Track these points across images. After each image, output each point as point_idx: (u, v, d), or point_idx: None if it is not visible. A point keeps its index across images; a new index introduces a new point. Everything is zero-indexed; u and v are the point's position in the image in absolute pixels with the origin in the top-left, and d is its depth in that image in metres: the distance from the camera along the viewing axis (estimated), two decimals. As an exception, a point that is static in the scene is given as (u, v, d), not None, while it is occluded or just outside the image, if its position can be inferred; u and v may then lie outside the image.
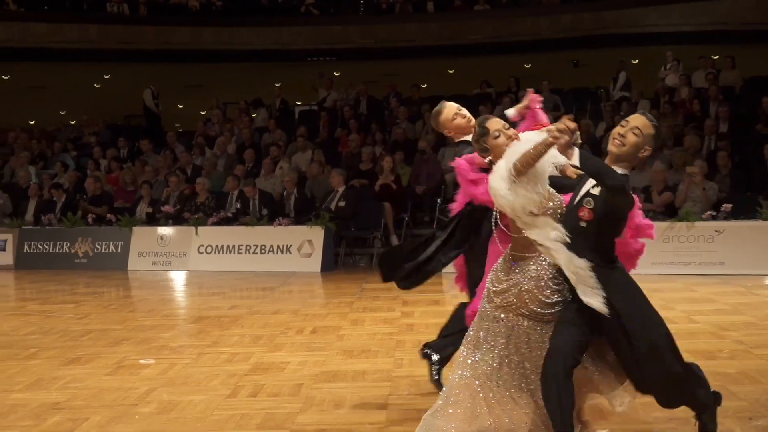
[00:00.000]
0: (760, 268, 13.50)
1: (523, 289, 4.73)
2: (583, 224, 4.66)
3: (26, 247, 18.25)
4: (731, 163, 15.34)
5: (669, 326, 9.28)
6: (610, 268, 4.71)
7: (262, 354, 8.46)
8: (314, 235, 15.98)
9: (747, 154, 15.67)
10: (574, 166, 4.72)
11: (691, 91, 18.17)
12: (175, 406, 6.67)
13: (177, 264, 17.10)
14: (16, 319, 11.41)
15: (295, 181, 16.91)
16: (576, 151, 4.86)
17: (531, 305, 4.71)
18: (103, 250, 17.77)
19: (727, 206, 14.18)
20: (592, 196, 4.63)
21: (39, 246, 18.24)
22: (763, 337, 8.72)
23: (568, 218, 4.76)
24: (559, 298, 4.73)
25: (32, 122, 25.61)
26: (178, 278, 16.08)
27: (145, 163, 20.15)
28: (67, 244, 18.04)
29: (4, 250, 18.24)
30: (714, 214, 14.17)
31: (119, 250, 17.62)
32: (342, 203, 16.23)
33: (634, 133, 4.72)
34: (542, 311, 4.71)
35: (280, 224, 16.60)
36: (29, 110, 26.45)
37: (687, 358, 7.57)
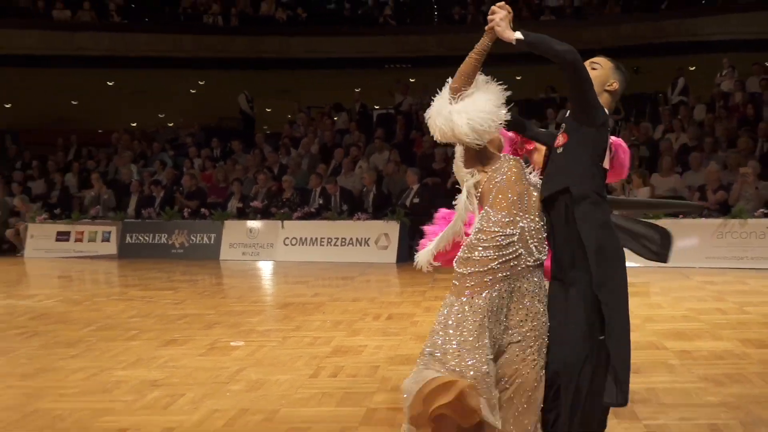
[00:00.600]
0: (808, 264, 13.34)
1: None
2: (560, 150, 4.27)
3: (128, 238, 18.49)
4: (783, 164, 15.13)
5: (721, 317, 9.23)
6: (592, 202, 4.15)
7: (341, 338, 8.51)
8: (390, 229, 16.00)
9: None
10: (518, 40, 4.11)
11: (745, 95, 17.94)
12: (262, 384, 6.74)
13: (264, 254, 17.22)
14: (120, 303, 11.59)
15: (373, 179, 16.95)
16: (518, 32, 4.23)
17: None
18: (197, 242, 17.96)
19: (777, 205, 14.05)
20: (564, 121, 4.32)
21: (140, 237, 18.47)
22: (813, 327, 8.60)
23: (552, 159, 4.34)
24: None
25: (134, 124, 25.94)
26: (265, 268, 16.19)
27: (236, 162, 20.32)
28: (165, 236, 18.25)
29: (108, 240, 18.49)
30: (766, 212, 14.00)
31: (212, 242, 17.79)
32: (416, 200, 16.23)
33: (593, 68, 4.38)
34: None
35: (359, 219, 16.67)
36: (131, 113, 26.80)
37: (740, 351, 7.53)
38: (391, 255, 16.26)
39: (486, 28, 4.12)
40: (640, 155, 16.13)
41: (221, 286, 13.73)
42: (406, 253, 15.53)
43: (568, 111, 4.33)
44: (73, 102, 25.98)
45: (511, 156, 4.34)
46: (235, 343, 8.48)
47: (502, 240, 4.02)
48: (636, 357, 6.67)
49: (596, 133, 4.17)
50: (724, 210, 14.10)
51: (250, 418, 5.80)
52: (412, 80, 22.68)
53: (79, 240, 18.64)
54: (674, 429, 5.31)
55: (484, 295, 3.98)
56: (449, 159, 18.07)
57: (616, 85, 4.42)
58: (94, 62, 22.98)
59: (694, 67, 20.76)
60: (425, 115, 4.25)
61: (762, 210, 14.04)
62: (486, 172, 4.20)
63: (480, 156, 4.21)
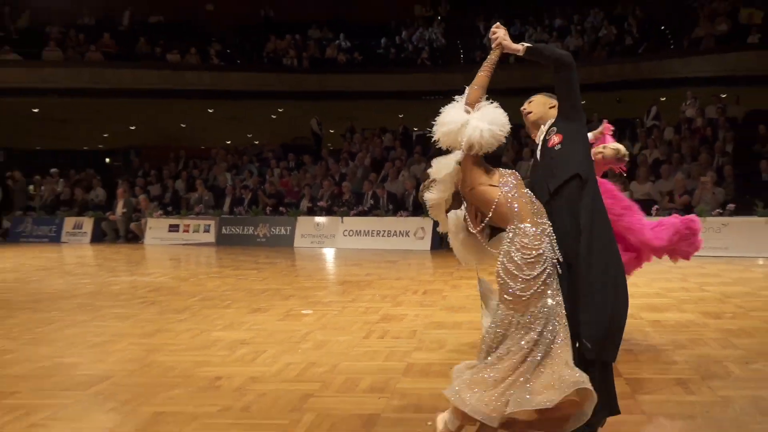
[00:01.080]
0: (755, 252, 13.25)
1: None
2: (558, 147, 3.95)
3: (223, 230, 18.61)
4: (734, 174, 15.05)
5: (685, 294, 9.12)
6: (595, 183, 3.94)
7: (387, 308, 8.50)
8: (426, 223, 15.95)
9: (746, 168, 15.37)
10: (527, 47, 3.96)
11: (704, 121, 17.84)
12: (326, 344, 6.76)
13: (328, 243, 17.26)
14: (217, 280, 11.67)
15: (413, 184, 16.90)
16: (522, 43, 4.06)
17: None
18: (276, 233, 18.04)
19: (730, 206, 14.02)
20: (554, 125, 4.02)
21: (232, 229, 18.59)
22: (758, 302, 8.51)
23: (544, 159, 4.03)
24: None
25: (228, 142, 26.11)
26: (328, 253, 16.23)
27: (306, 171, 20.42)
28: (251, 228, 18.35)
29: (208, 231, 18.64)
30: (721, 211, 14.01)
31: (288, 233, 17.87)
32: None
33: (531, 102, 4.23)
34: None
35: (401, 216, 16.70)
36: (226, 134, 26.98)
37: (698, 319, 7.47)
38: (426, 244, 16.27)
39: (493, 45, 3.93)
40: (621, 167, 16.09)
41: (294, 267, 13.78)
42: (438, 242, 15.47)
43: (557, 116, 4.07)
44: (182, 125, 26.19)
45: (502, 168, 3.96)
46: (305, 311, 8.51)
47: (541, 252, 3.62)
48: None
49: (583, 128, 4.06)
50: (687, 210, 14.03)
51: (316, 370, 5.81)
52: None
53: (185, 231, 18.84)
54: (648, 382, 5.26)
55: (544, 302, 3.60)
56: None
57: (556, 104, 4.12)
58: (198, 94, 23.14)
59: (664, 98, 20.56)
60: (436, 124, 3.93)
61: (718, 210, 14.04)
62: (495, 186, 3.79)
63: (483, 168, 3.85)
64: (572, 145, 3.97)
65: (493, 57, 3.92)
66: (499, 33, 3.92)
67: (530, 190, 3.90)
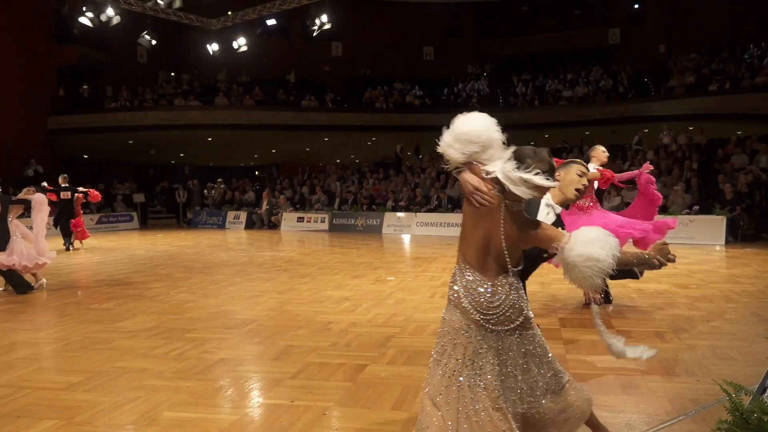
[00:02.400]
0: (713, 241, 12.74)
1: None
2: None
3: (335, 221, 18.71)
4: (698, 184, 14.54)
5: (662, 271, 8.80)
6: None
7: (447, 276, 8.43)
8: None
9: (707, 180, 14.86)
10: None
11: (677, 146, 17.30)
12: (404, 301, 6.76)
13: (406, 231, 17.20)
14: (329, 255, 11.79)
15: (465, 191, 16.77)
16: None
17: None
18: (370, 223, 18.07)
19: (696, 207, 13.58)
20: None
21: (340, 220, 18.69)
22: (716, 277, 8.19)
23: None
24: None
25: (338, 161, 26.32)
26: (406, 238, 16.22)
27: (391, 181, 20.39)
28: (353, 220, 18.42)
29: (324, 222, 18.79)
30: (688, 211, 13.51)
31: (377, 224, 17.87)
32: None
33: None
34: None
35: (457, 212, 16.54)
36: (337, 155, 27.20)
37: (671, 289, 7.22)
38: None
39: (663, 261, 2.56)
40: (615, 179, 15.83)
41: (382, 248, 13.83)
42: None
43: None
44: (306, 149, 26.51)
45: None
46: (389, 278, 8.52)
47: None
48: (612, 294, 6.46)
49: None
50: (664, 210, 13.70)
51: (396, 319, 5.82)
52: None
53: (308, 221, 19.00)
54: (634, 333, 5.12)
55: None
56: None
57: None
58: (318, 128, 23.34)
59: (647, 130, 19.93)
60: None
61: (686, 210, 13.58)
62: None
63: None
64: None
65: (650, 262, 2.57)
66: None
67: None
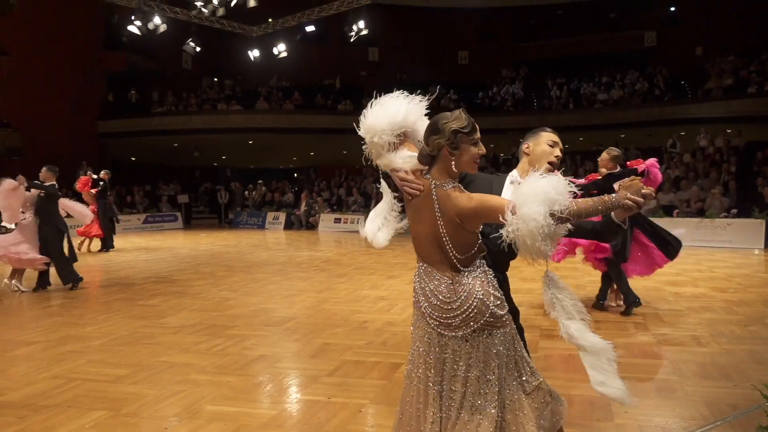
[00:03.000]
0: (752, 244, 12.39)
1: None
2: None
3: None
4: (736, 187, 14.17)
5: (699, 274, 8.56)
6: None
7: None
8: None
9: (746, 183, 14.48)
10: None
11: (714, 148, 16.88)
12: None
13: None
14: (365, 255, 11.78)
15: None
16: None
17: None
18: (404, 224, 18.00)
19: (734, 210, 13.22)
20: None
21: (376, 222, 18.69)
22: (754, 281, 7.95)
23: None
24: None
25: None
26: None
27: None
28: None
29: (360, 223, 18.77)
30: (726, 214, 13.16)
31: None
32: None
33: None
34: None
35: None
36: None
37: (709, 293, 7.02)
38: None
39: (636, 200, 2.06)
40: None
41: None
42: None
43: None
44: (344, 152, 26.58)
45: None
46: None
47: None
48: (648, 296, 6.31)
49: None
50: (701, 213, 13.39)
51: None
52: (521, 140, 22.10)
53: (345, 222, 19.03)
54: (670, 336, 5.00)
55: None
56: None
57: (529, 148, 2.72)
58: (354, 131, 23.26)
59: (684, 132, 19.47)
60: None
61: (724, 213, 13.21)
62: None
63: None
64: None
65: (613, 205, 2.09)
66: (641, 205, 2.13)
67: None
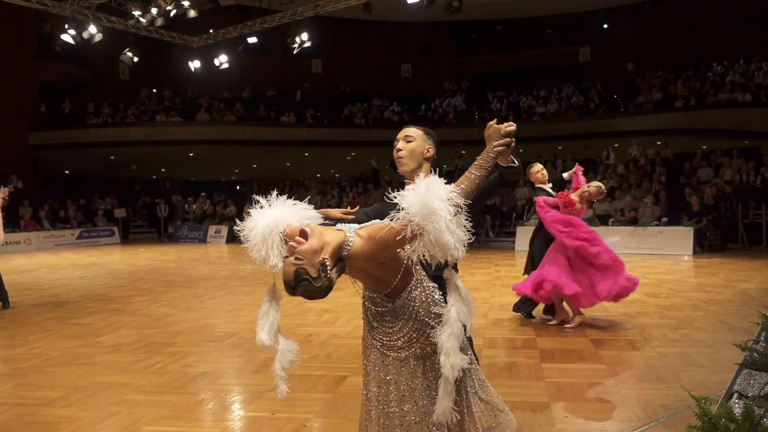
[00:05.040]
0: (681, 251, 12.92)
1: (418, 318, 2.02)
2: None
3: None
4: (666, 197, 14.78)
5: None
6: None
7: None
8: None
9: (675, 192, 15.13)
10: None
11: (646, 160, 17.60)
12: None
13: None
14: (310, 268, 11.68)
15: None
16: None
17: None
18: (350, 236, 18.03)
19: (664, 219, 13.79)
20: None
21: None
22: (684, 286, 8.30)
23: None
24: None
25: (318, 175, 26.27)
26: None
27: (370, 194, 20.39)
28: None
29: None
30: (657, 222, 13.73)
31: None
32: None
33: (408, 141, 2.57)
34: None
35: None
36: (316, 170, 27.12)
37: (642, 298, 7.28)
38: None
39: (502, 147, 2.15)
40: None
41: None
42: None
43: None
44: (287, 163, 26.44)
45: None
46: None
47: None
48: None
49: None
50: (634, 222, 13.88)
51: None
52: (463, 152, 22.51)
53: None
54: (606, 342, 5.16)
55: None
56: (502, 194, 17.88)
57: (432, 151, 2.60)
58: (298, 143, 23.26)
59: (617, 144, 20.25)
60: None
61: (655, 221, 13.76)
62: None
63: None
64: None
65: (487, 163, 2.13)
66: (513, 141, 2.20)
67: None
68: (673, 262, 11.52)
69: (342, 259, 1.90)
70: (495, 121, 2.18)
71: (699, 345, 4.96)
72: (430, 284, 2.09)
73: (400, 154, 2.55)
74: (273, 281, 2.06)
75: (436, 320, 2.02)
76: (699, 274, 9.69)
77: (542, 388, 3.94)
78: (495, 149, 2.11)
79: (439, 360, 1.98)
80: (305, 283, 1.79)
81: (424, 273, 2.10)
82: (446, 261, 1.90)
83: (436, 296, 2.07)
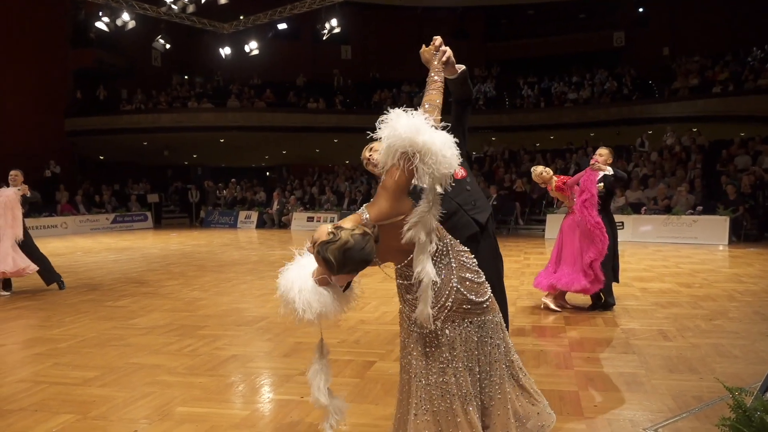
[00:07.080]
0: (716, 241, 12.70)
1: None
2: (468, 179, 3.01)
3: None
4: (702, 185, 14.48)
5: (665, 270, 8.73)
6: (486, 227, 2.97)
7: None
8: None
9: (711, 181, 14.81)
10: (463, 71, 2.70)
11: (680, 147, 17.20)
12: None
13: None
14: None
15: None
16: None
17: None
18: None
19: (699, 207, 13.48)
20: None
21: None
22: (718, 276, 8.13)
23: (457, 191, 2.83)
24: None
25: (347, 162, 26.31)
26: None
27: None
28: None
29: (333, 221, 18.73)
30: (692, 211, 13.44)
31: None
32: (495, 203, 15.93)
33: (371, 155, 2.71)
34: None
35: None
36: (345, 156, 27.11)
37: (675, 288, 7.16)
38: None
39: (442, 59, 2.40)
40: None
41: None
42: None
43: None
44: (316, 150, 26.52)
45: None
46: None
47: None
48: (617, 292, 6.41)
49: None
50: (668, 210, 13.63)
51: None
52: (493, 138, 22.27)
53: (318, 221, 18.92)
54: (638, 331, 5.08)
55: None
56: (513, 181, 17.72)
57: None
58: (327, 130, 23.36)
59: (651, 131, 19.83)
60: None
61: (690, 210, 13.49)
62: None
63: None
64: (474, 179, 3.10)
65: (440, 77, 2.34)
66: (448, 50, 2.46)
67: (448, 220, 2.66)
68: (707, 252, 11.30)
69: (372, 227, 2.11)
70: (423, 46, 2.40)
71: (733, 336, 4.86)
72: (460, 248, 2.22)
73: None
74: (320, 336, 2.27)
75: (466, 285, 2.18)
76: (734, 264, 9.49)
77: (571, 377, 3.91)
78: (439, 63, 2.34)
79: (469, 321, 2.17)
80: (322, 246, 2.06)
81: (450, 238, 2.23)
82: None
83: (464, 259, 2.21)
